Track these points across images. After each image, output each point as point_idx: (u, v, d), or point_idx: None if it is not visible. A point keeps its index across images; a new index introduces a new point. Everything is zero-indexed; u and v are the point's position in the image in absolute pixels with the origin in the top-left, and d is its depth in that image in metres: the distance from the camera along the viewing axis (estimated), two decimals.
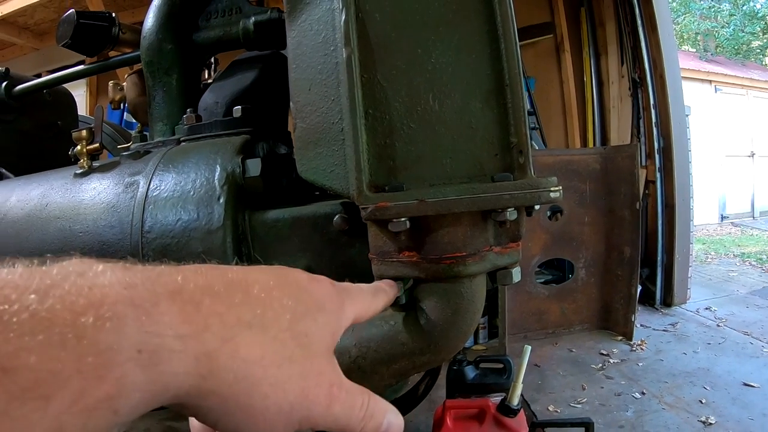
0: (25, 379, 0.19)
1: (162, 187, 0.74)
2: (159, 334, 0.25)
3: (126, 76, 1.27)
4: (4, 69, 1.41)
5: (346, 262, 0.65)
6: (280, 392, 0.29)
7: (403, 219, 0.49)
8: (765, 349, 2.84)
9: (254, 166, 0.70)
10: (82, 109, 4.34)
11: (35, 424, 0.19)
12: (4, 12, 4.48)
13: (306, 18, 0.60)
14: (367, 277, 0.56)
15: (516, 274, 0.58)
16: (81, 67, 1.37)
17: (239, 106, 0.86)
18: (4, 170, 1.31)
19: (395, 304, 0.59)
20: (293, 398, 0.30)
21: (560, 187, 0.55)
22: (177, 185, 0.73)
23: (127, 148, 1.00)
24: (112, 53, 1.26)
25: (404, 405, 1.68)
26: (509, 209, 0.52)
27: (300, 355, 0.30)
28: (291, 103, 0.63)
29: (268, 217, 0.70)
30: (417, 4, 0.54)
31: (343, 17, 0.52)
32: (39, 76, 1.58)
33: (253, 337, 0.29)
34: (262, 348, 0.29)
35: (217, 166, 0.72)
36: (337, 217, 0.64)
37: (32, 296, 0.21)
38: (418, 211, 0.49)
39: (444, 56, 0.54)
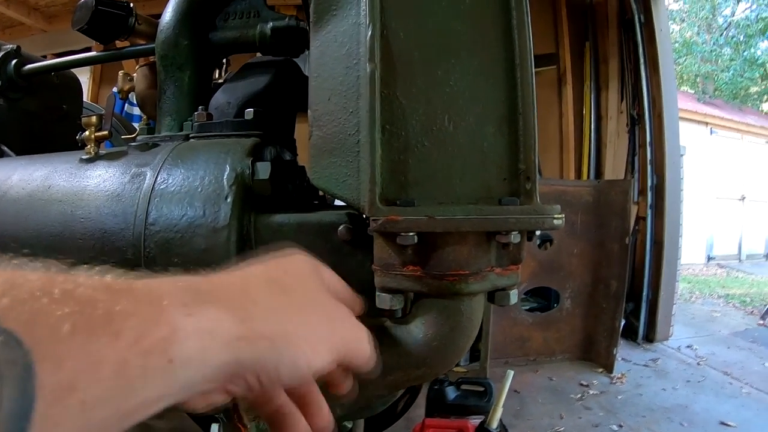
0: (101, 316, 0.25)
1: (169, 181, 0.74)
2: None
3: (137, 67, 1.28)
4: (15, 46, 1.40)
5: (347, 272, 0.66)
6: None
7: (411, 233, 0.50)
8: (744, 390, 2.88)
9: (264, 169, 0.71)
10: (86, 95, 4.32)
11: (105, 358, 0.24)
12: None
13: (331, 29, 0.61)
14: (366, 288, 0.57)
15: (513, 296, 0.59)
16: (93, 53, 1.37)
17: (251, 109, 0.86)
18: (6, 148, 1.30)
19: (393, 317, 0.60)
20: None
21: (563, 215, 0.57)
22: (185, 180, 0.73)
23: (134, 139, 1.00)
24: (124, 43, 1.26)
25: (382, 421, 1.67)
26: (513, 232, 0.53)
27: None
28: (309, 111, 0.64)
29: (274, 220, 0.71)
30: (441, 27, 0.56)
31: (369, 33, 0.54)
32: (44, 57, 1.57)
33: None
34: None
35: (227, 166, 0.72)
36: (342, 226, 0.65)
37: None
38: (428, 227, 0.50)
39: (462, 80, 0.56)
